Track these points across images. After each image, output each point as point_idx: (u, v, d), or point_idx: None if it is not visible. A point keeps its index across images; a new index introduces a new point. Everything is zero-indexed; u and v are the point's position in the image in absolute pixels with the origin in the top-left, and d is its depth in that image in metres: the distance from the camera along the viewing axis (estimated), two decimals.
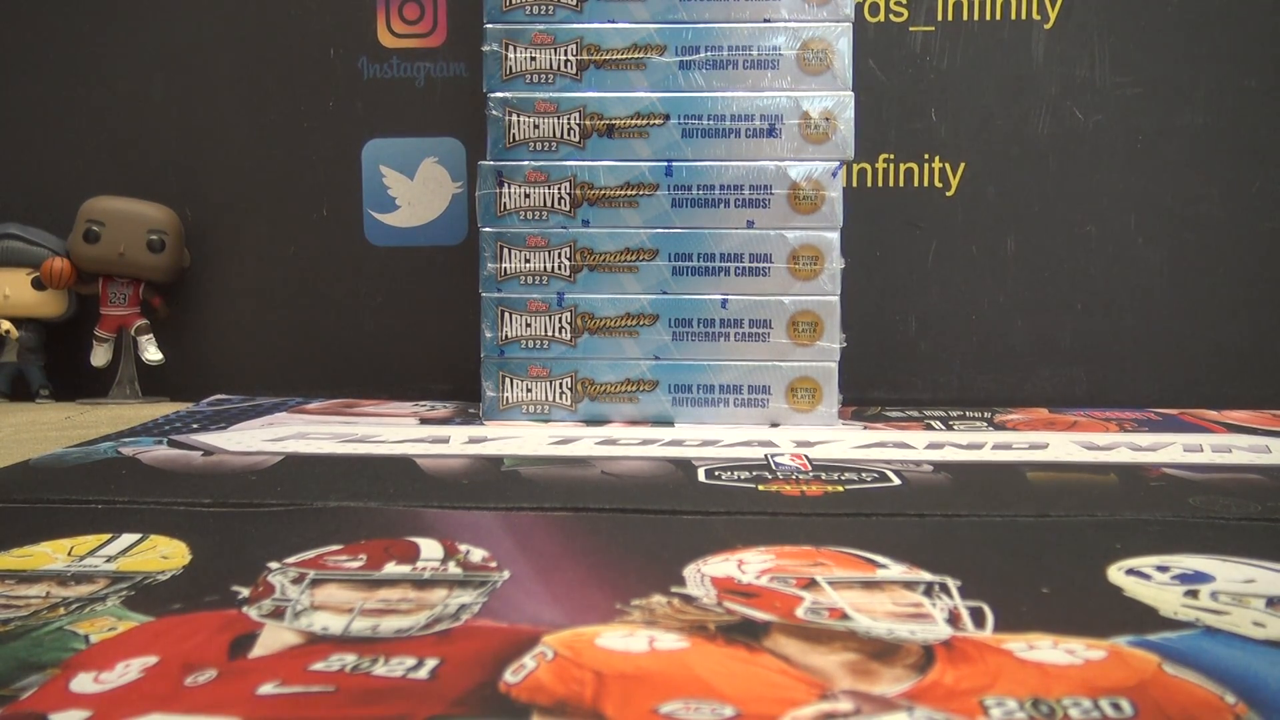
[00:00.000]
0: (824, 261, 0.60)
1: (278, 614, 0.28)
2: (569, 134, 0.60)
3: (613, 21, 0.61)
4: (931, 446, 0.53)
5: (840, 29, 0.60)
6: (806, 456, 0.50)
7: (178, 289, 0.77)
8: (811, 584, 0.30)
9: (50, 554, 0.34)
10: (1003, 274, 0.72)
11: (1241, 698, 0.22)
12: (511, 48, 0.61)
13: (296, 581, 0.30)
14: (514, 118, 0.61)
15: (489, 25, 0.61)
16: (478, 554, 0.33)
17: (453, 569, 0.32)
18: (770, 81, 0.60)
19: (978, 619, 0.27)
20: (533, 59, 0.61)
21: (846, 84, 0.60)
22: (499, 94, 0.61)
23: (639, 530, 0.37)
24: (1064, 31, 0.71)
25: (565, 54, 0.61)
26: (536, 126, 0.61)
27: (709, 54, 0.60)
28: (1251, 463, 0.49)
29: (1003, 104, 0.72)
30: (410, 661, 0.24)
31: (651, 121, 0.60)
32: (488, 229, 0.61)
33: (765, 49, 0.60)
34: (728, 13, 0.60)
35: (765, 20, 0.60)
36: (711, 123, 0.60)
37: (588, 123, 0.60)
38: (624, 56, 0.60)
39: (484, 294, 0.61)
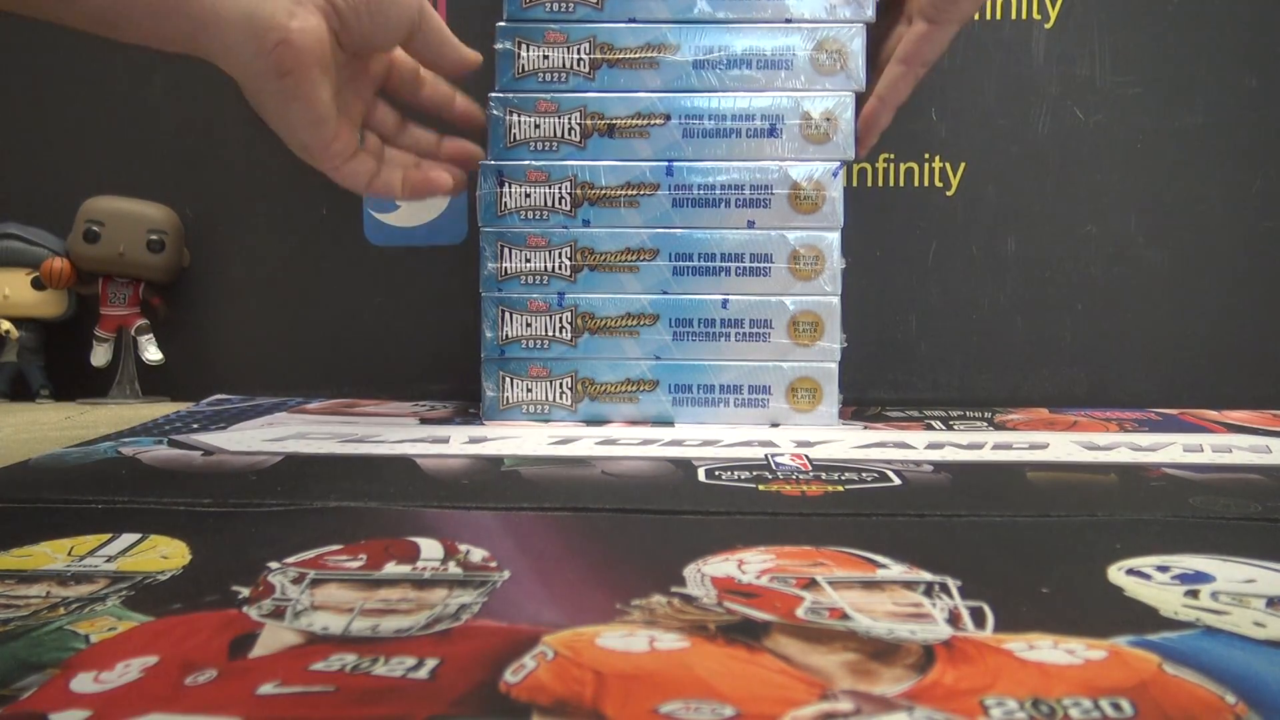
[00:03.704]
0: (825, 262, 0.60)
1: (278, 614, 0.28)
2: (569, 134, 0.60)
3: (632, 20, 0.61)
4: (931, 446, 0.53)
5: (854, 29, 0.60)
6: (807, 456, 0.50)
7: (178, 289, 0.77)
8: (812, 584, 0.30)
9: (50, 554, 0.34)
10: (1003, 274, 0.72)
11: (1242, 698, 0.22)
12: (524, 46, 0.61)
13: (296, 581, 0.30)
14: (514, 117, 0.61)
15: (502, 23, 0.61)
16: (478, 554, 0.33)
17: (453, 569, 0.32)
18: (784, 82, 0.60)
19: (978, 619, 0.27)
20: (545, 57, 0.61)
21: (860, 84, 0.60)
22: (499, 94, 0.61)
23: (639, 530, 0.37)
24: (1064, 31, 0.71)
25: (578, 52, 0.61)
26: (537, 126, 0.61)
27: (722, 54, 0.60)
28: (1251, 463, 0.49)
29: (1003, 104, 0.72)
30: (410, 661, 0.24)
31: (652, 121, 0.60)
32: (488, 228, 0.61)
33: (780, 49, 0.60)
34: (748, 12, 0.60)
35: (786, 20, 0.60)
36: (712, 123, 0.60)
37: (588, 123, 0.60)
38: (637, 55, 0.60)
39: (484, 294, 0.61)
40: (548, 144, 0.61)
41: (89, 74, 0.77)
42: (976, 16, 0.71)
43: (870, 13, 0.60)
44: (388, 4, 0.51)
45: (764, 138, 0.60)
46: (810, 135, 0.60)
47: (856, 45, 0.60)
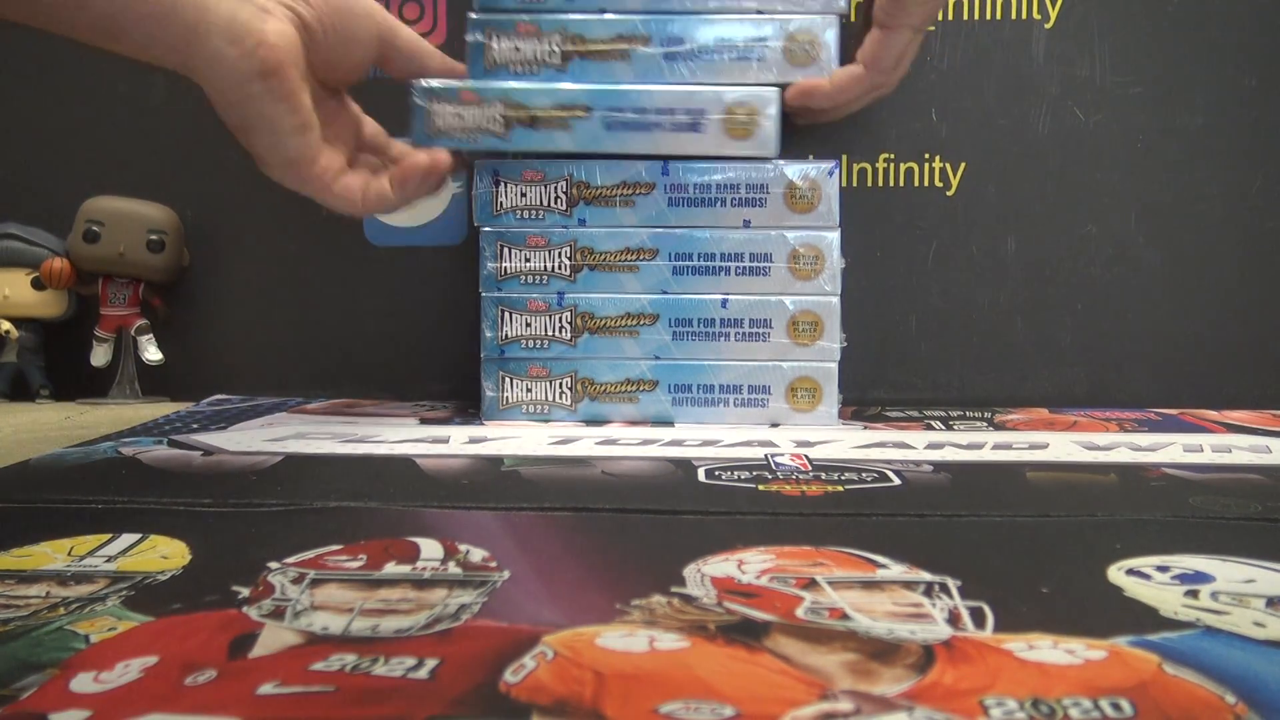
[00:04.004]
0: (824, 261, 0.60)
1: (278, 614, 0.28)
2: (491, 124, 0.59)
3: (603, 10, 0.60)
4: (931, 446, 0.53)
5: (828, 20, 0.60)
6: (807, 456, 0.50)
7: (178, 289, 0.77)
8: (811, 584, 0.30)
9: (50, 554, 0.34)
10: (1003, 274, 0.72)
11: (1242, 698, 0.22)
12: (495, 37, 0.60)
13: (296, 581, 0.30)
14: (435, 106, 0.59)
15: (473, 14, 0.61)
16: (478, 554, 0.33)
17: (453, 569, 0.32)
18: (756, 73, 0.60)
19: (978, 619, 0.27)
20: (517, 49, 0.60)
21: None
22: (424, 83, 0.59)
23: (639, 530, 0.37)
24: (1064, 31, 0.71)
25: (550, 44, 0.60)
26: (459, 116, 0.60)
27: (694, 45, 0.60)
28: (1251, 463, 0.49)
29: (1003, 104, 0.72)
30: (410, 661, 0.24)
31: (573, 113, 0.59)
32: (488, 228, 0.61)
33: (752, 40, 0.60)
34: (720, 2, 0.60)
35: (757, 12, 0.60)
36: (635, 115, 0.59)
37: (511, 114, 0.59)
38: (608, 47, 0.60)
39: (484, 294, 0.61)
40: (470, 135, 0.59)
41: (89, 74, 0.76)
42: (976, 16, 0.71)
43: (843, 3, 0.60)
44: (350, 17, 0.52)
45: (685, 131, 0.59)
46: (732, 130, 0.59)
47: (829, 36, 0.60)
